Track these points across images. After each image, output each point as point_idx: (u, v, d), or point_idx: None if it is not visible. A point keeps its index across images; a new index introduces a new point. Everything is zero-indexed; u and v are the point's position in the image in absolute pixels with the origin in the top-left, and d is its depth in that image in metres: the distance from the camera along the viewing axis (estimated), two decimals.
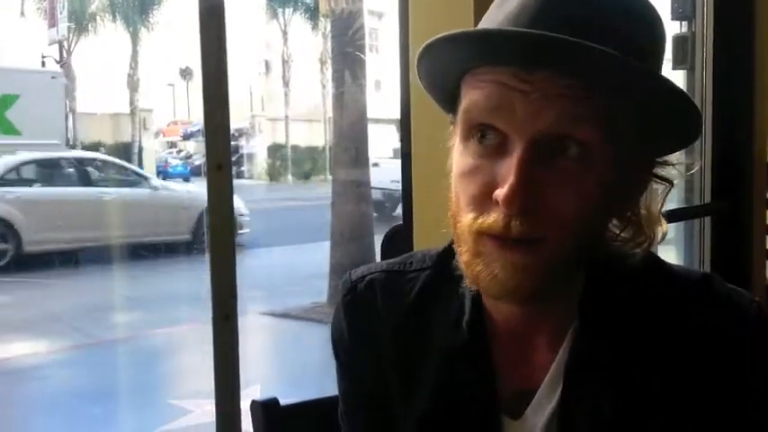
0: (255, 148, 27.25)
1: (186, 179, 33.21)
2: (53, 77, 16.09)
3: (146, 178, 11.59)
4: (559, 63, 0.61)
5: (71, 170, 11.26)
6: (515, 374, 0.76)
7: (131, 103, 30.75)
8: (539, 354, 0.75)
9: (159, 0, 30.69)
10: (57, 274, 8.58)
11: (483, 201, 0.66)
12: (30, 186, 10.31)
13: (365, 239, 7.99)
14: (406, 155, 1.42)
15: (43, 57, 29.71)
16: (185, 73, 50.00)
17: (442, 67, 0.69)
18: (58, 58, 27.25)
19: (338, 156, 8.15)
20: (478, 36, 0.65)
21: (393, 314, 0.81)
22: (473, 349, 0.75)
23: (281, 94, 37.19)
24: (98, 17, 29.62)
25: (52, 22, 25.57)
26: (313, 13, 37.31)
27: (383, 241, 1.40)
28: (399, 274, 0.83)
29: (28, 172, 10.49)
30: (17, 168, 10.75)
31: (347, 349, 0.84)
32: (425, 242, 1.23)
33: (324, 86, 38.94)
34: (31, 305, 7.18)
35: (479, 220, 0.66)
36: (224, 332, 1.48)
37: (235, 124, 33.51)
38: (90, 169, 11.43)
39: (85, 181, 10.98)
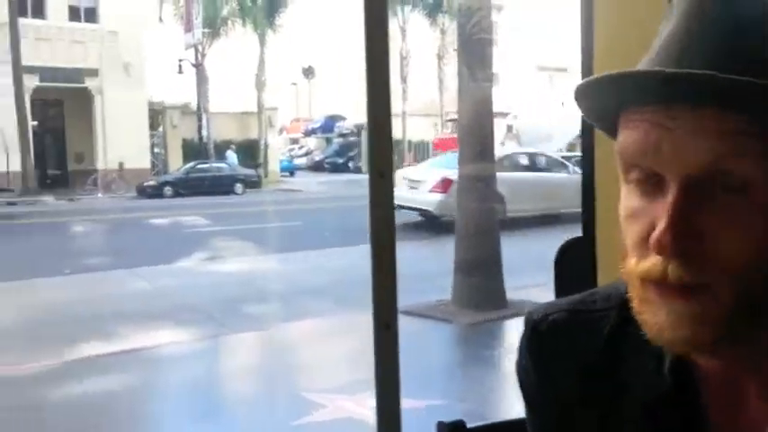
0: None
1: (292, 173, 34.85)
2: None
3: (566, 166, 15.04)
4: (724, 103, 0.57)
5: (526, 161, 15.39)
6: (726, 424, 0.71)
7: (258, 102, 32.15)
8: (752, 401, 0.70)
9: (285, 2, 31.82)
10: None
11: (643, 244, 0.62)
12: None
13: (490, 235, 7.89)
14: (586, 152, 1.29)
15: (180, 60, 31.73)
16: (307, 72, 51.76)
17: (599, 105, 0.67)
18: (193, 61, 29.00)
19: (463, 151, 8.09)
20: (623, 76, 0.62)
21: (580, 354, 0.78)
22: (679, 397, 0.70)
23: (398, 90, 37.59)
24: (229, 21, 31.20)
25: (188, 27, 27.26)
26: (432, 10, 37.32)
27: (556, 256, 1.28)
28: (583, 314, 0.80)
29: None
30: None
31: (532, 387, 0.82)
32: (610, 259, 1.12)
33: (441, 82, 38.91)
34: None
35: (640, 266, 0.63)
36: (385, 341, 1.49)
37: (354, 120, 34.06)
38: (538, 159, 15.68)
39: (535, 168, 15.13)
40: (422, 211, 12.93)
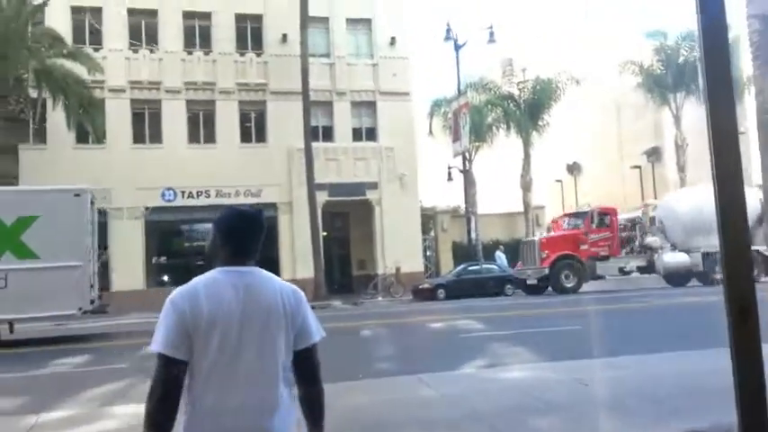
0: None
1: None
2: (76, 195, 15.26)
3: None
4: None
5: None
6: None
7: (524, 201, 32.32)
8: None
9: (549, 104, 32.14)
10: None
11: None
12: None
13: None
14: None
15: (449, 168, 33.53)
16: (572, 168, 51.12)
17: None
18: (461, 168, 30.42)
19: None
20: None
21: None
22: None
23: (675, 180, 35.11)
24: (494, 127, 32.36)
25: (456, 137, 28.82)
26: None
27: None
28: None
29: None
30: None
31: None
32: None
33: None
34: None
35: None
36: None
37: (625, 214, 32.34)
38: None
39: None
40: None
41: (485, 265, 26.87)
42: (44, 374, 11.26)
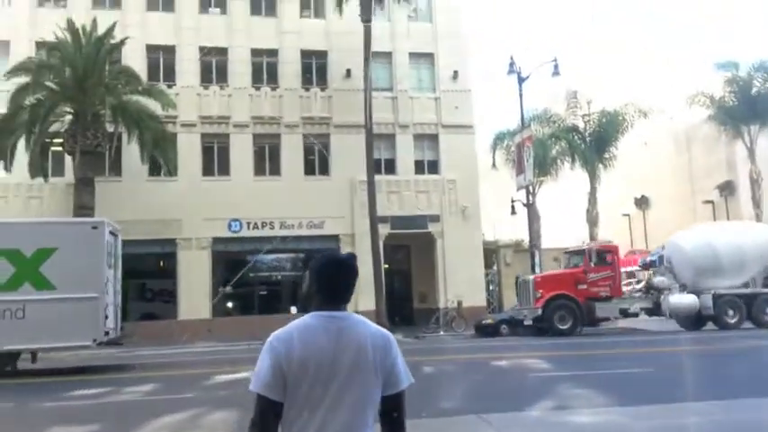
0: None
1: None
2: (94, 227, 15.56)
3: None
4: None
5: None
6: None
7: (590, 236, 31.56)
8: None
9: (616, 137, 31.50)
10: None
11: None
12: None
13: None
14: None
15: (512, 201, 33.14)
16: (640, 202, 49.73)
17: None
18: (524, 201, 29.98)
19: None
20: None
21: None
22: None
23: (751, 215, 33.67)
24: (558, 161, 31.88)
25: (519, 170, 28.48)
26: None
27: None
28: None
29: None
30: None
31: None
32: None
33: None
34: None
35: None
36: None
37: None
38: None
39: None
40: None
41: None
42: (114, 402, 11.51)
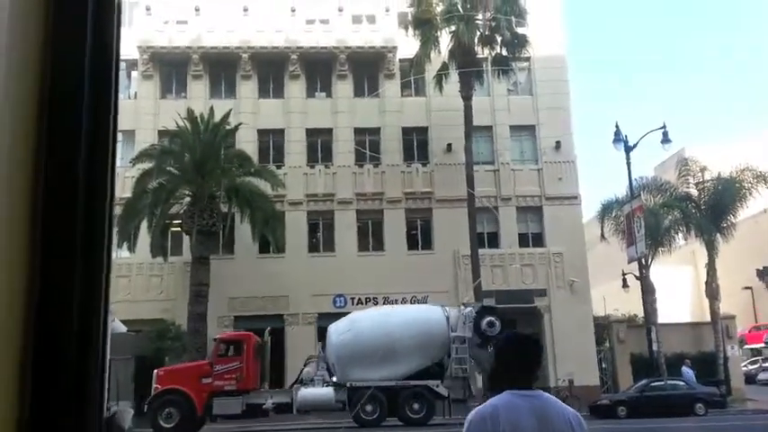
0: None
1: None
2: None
3: None
4: None
5: None
6: None
7: (711, 310, 29.54)
8: None
9: (733, 205, 29.80)
10: None
11: None
12: None
13: None
14: None
15: (624, 274, 31.75)
16: (763, 274, 46.30)
17: None
18: (637, 274, 28.64)
19: None
20: None
21: None
22: None
23: None
24: (671, 231, 30.43)
25: (630, 241, 27.32)
26: None
27: None
28: None
29: None
30: None
31: None
32: None
33: None
34: None
35: None
36: None
37: None
38: None
39: None
40: None
41: (669, 381, 24.50)
42: None
